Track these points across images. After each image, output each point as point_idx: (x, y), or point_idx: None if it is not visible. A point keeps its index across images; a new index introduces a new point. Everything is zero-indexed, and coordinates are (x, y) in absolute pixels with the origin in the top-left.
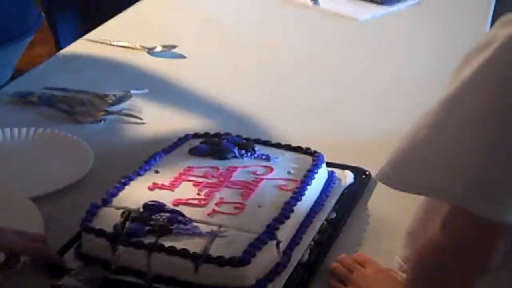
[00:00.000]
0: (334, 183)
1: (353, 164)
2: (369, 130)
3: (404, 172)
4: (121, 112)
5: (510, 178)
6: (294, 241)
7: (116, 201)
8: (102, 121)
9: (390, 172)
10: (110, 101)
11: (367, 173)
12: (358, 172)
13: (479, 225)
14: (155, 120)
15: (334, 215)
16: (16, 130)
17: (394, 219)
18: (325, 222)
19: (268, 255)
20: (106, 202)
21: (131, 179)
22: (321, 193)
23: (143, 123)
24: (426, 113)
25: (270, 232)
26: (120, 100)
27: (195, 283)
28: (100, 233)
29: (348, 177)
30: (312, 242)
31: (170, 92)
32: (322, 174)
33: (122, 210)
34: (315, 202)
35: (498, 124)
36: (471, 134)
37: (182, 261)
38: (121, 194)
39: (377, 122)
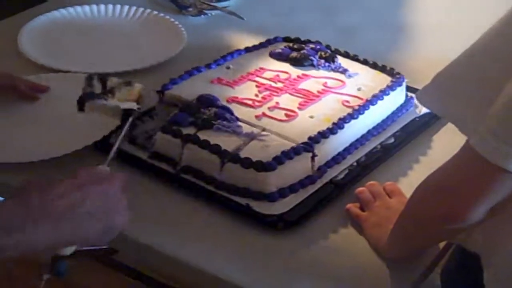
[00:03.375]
0: (407, 109)
1: None
2: None
3: (437, 92)
4: (225, 8)
5: None
6: (335, 158)
7: (174, 89)
8: (205, 15)
9: (429, 91)
10: None
11: None
12: None
13: (481, 164)
14: (259, 22)
15: (391, 140)
16: (126, 7)
17: None
18: (379, 146)
19: (299, 166)
20: (165, 89)
21: (199, 71)
22: (388, 117)
23: (242, 19)
24: (479, 38)
25: (308, 144)
26: None
27: (219, 180)
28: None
29: None
30: (355, 163)
31: None
32: (395, 97)
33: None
34: (378, 124)
35: None
36: (506, 70)
37: (211, 156)
38: (183, 83)
39: None
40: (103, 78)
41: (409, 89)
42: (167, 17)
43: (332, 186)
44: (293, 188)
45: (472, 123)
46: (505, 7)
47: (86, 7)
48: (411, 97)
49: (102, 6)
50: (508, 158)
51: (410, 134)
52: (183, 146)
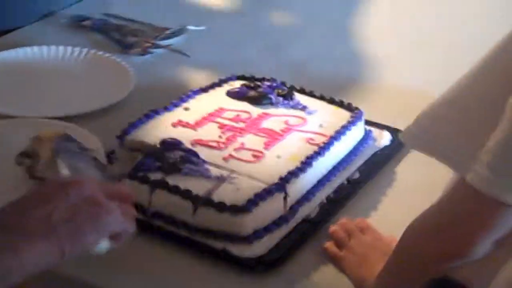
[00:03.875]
0: (367, 143)
1: (394, 126)
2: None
3: (423, 132)
4: (169, 46)
5: None
6: (306, 196)
7: (135, 133)
8: (149, 54)
9: (412, 130)
10: (164, 34)
11: None
12: (396, 133)
13: (480, 200)
14: (205, 58)
15: (357, 175)
16: (69, 48)
17: (420, 189)
18: (346, 182)
19: (273, 207)
20: (125, 133)
21: (158, 113)
22: (350, 152)
23: (189, 58)
24: (462, 76)
25: (280, 184)
26: (174, 34)
27: (192, 225)
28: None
29: (384, 138)
30: (325, 200)
31: (229, 31)
32: (356, 132)
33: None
34: (342, 160)
35: None
36: (493, 109)
37: (183, 201)
38: (143, 127)
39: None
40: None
41: (366, 122)
42: (113, 57)
43: (307, 225)
44: (268, 229)
45: (465, 161)
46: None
47: (28, 49)
48: (370, 130)
49: (45, 48)
50: (506, 191)
51: (374, 168)
52: (151, 192)
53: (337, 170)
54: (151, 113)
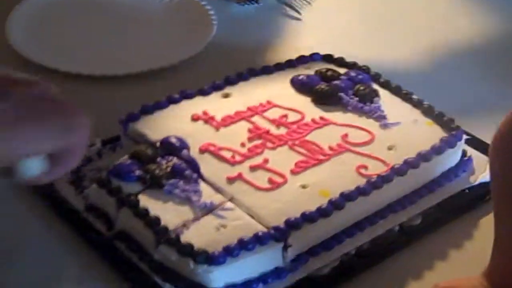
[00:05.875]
0: (457, 175)
1: None
2: None
3: None
4: None
5: None
6: (323, 245)
7: (143, 121)
8: (253, 4)
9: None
10: None
11: None
12: None
13: None
14: (317, 22)
15: (419, 220)
16: None
17: None
18: (398, 227)
19: (264, 258)
20: (130, 119)
21: (186, 97)
22: (424, 186)
23: (299, 19)
24: None
25: (281, 231)
26: None
27: (155, 259)
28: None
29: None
30: (354, 252)
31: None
32: (440, 162)
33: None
34: (406, 196)
35: None
36: None
37: (146, 231)
38: (156, 114)
39: None
40: None
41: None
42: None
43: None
44: (249, 285)
45: None
46: None
47: None
48: (470, 158)
49: None
50: None
51: (449, 214)
52: (118, 208)
53: (388, 211)
54: (178, 96)
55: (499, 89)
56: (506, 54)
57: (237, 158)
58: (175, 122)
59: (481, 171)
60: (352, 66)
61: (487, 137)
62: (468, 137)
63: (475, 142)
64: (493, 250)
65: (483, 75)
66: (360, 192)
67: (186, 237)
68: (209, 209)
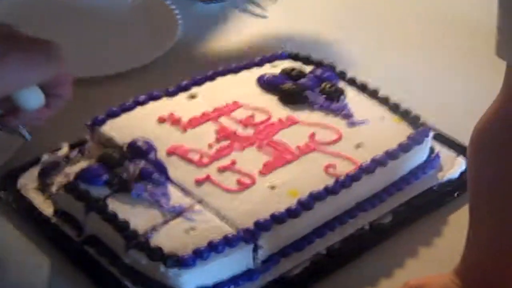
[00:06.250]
0: (424, 173)
1: None
2: None
3: None
4: None
5: None
6: (294, 246)
7: (109, 125)
8: (221, 2)
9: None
10: None
11: None
12: None
13: None
14: (283, 20)
15: (389, 218)
16: None
17: None
18: (368, 226)
19: (235, 260)
20: (96, 123)
21: (152, 98)
22: (392, 184)
23: (265, 17)
24: None
25: (251, 232)
26: None
27: (126, 263)
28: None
29: (456, 167)
30: (325, 252)
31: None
32: (408, 159)
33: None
34: (375, 195)
35: None
36: None
37: (115, 235)
38: (124, 117)
39: None
40: None
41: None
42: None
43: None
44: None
45: None
46: None
47: None
48: (438, 155)
49: None
50: None
51: (418, 211)
52: (87, 213)
53: (358, 210)
54: (144, 97)
55: (475, 89)
56: (481, 53)
57: (205, 160)
58: (142, 124)
59: (449, 167)
60: (318, 64)
61: (465, 138)
62: (435, 132)
63: (443, 138)
64: (466, 247)
65: (457, 74)
66: (328, 191)
67: (156, 240)
68: (178, 212)
